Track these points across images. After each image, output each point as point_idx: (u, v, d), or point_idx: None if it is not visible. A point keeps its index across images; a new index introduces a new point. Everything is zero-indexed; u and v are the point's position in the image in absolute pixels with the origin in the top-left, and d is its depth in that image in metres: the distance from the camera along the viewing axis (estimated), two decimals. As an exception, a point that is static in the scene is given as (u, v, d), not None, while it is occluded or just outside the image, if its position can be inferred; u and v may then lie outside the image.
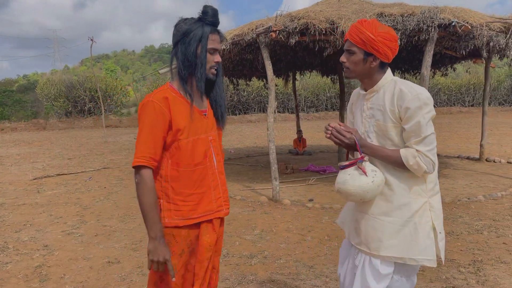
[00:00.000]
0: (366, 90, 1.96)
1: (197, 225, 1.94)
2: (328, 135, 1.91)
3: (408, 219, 1.84)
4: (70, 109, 25.88)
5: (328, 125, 1.93)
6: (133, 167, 1.82)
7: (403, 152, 1.80)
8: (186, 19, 1.87)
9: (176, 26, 1.87)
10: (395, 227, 1.84)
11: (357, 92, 2.06)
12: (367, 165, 1.84)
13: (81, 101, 25.75)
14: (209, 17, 1.83)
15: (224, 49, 6.64)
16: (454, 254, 3.90)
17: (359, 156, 1.86)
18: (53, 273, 3.76)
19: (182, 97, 1.89)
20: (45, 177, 8.84)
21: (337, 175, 1.93)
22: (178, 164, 1.87)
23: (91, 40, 17.06)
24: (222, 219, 2.06)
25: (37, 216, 5.73)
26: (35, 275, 3.74)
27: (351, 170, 1.85)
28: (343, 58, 1.90)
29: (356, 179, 1.81)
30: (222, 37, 1.91)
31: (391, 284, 1.86)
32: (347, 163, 1.87)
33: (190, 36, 1.82)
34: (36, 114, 26.13)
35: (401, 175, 1.85)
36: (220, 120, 2.03)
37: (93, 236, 4.79)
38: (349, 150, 1.97)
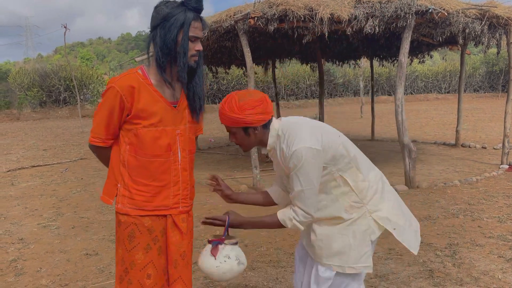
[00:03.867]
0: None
1: (162, 219, 1.86)
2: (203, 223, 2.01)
3: (347, 227, 1.84)
4: (44, 99, 25.17)
5: (213, 180, 2.09)
6: (89, 143, 1.88)
7: (279, 216, 1.85)
8: (167, 1, 1.75)
9: (156, 8, 1.75)
10: (334, 236, 1.86)
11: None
12: (225, 250, 1.86)
13: (56, 90, 25.07)
14: (192, 2, 1.72)
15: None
16: (431, 238, 3.98)
17: (221, 237, 1.89)
18: (29, 267, 3.68)
19: (150, 85, 1.79)
20: (19, 169, 8.61)
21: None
22: (137, 152, 1.81)
23: (65, 27, 16.56)
24: (189, 214, 1.99)
25: (12, 209, 5.58)
26: (10, 269, 3.65)
27: (208, 248, 1.88)
28: (231, 139, 1.91)
29: (205, 259, 1.86)
30: (204, 24, 1.80)
31: (336, 286, 1.88)
32: (210, 239, 1.90)
33: (171, 21, 1.70)
34: (9, 104, 25.28)
35: (327, 197, 1.85)
36: (198, 112, 1.92)
37: (70, 229, 4.70)
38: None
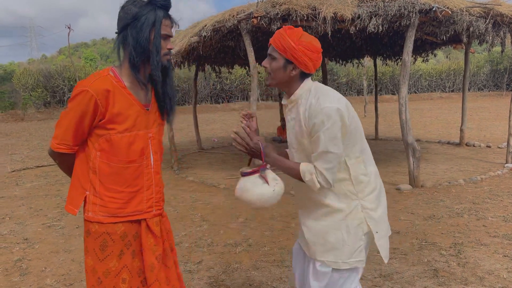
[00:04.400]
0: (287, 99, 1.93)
1: (134, 224, 1.82)
2: (233, 136, 1.90)
3: (340, 221, 1.83)
4: (48, 99, 25.26)
5: (247, 114, 1.94)
6: (51, 150, 1.77)
7: (302, 167, 1.79)
8: (134, 0, 1.70)
9: (123, 8, 1.70)
10: (328, 231, 1.85)
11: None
12: (269, 174, 1.84)
13: (60, 91, 25.16)
14: (161, 0, 1.69)
15: (205, 36, 6.54)
16: (435, 237, 3.97)
17: (262, 164, 1.85)
18: (34, 267, 3.69)
19: (124, 88, 1.73)
20: (24, 169, 8.65)
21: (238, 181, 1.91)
22: (110, 159, 1.74)
23: (68, 28, 16.63)
24: (163, 215, 1.95)
25: (17, 209, 5.61)
26: (15, 268, 3.67)
27: (253, 178, 1.84)
28: (265, 63, 1.86)
29: (258, 187, 1.81)
30: (173, 22, 1.78)
31: (332, 282, 1.87)
32: (250, 170, 1.86)
33: (142, 20, 1.66)
34: (13, 105, 25.40)
35: None
36: (169, 113, 1.88)
37: (75, 228, 4.71)
38: (252, 156, 1.94)
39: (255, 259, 3.65)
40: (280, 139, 11.27)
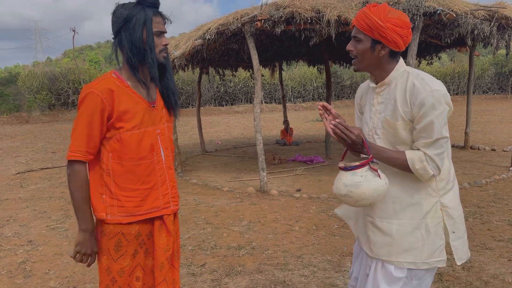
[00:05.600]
0: (376, 83, 1.79)
1: (148, 223, 1.85)
2: (332, 128, 1.70)
3: (420, 221, 1.71)
4: (53, 101, 25.38)
5: (324, 107, 1.76)
6: (68, 160, 1.75)
7: (409, 154, 1.65)
8: (124, 4, 1.76)
9: (114, 13, 1.76)
10: (406, 230, 1.72)
11: (367, 85, 1.90)
12: (377, 167, 1.67)
13: (65, 93, 25.27)
14: None
15: (209, 38, 6.55)
16: (440, 241, 3.94)
17: (368, 157, 1.68)
18: (38, 269, 3.70)
19: (128, 87, 1.78)
20: (28, 171, 8.68)
21: (338, 175, 1.74)
22: (121, 158, 1.77)
23: (73, 31, 16.71)
24: (175, 215, 1.98)
25: (21, 211, 5.63)
26: (19, 271, 3.67)
27: (362, 172, 1.65)
28: (349, 46, 1.73)
29: (371, 181, 1.64)
30: (165, 18, 1.82)
31: (408, 285, 1.75)
32: (357, 163, 1.67)
33: (133, 21, 1.71)
34: (18, 107, 25.55)
35: (408, 174, 1.71)
36: (174, 108, 1.93)
37: (79, 231, 4.72)
38: (351, 149, 1.75)
39: (258, 262, 3.64)
40: (283, 142, 11.26)
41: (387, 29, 1.63)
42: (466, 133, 9.31)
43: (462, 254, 1.80)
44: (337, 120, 1.70)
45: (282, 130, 11.61)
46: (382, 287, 1.74)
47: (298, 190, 6.17)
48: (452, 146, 9.85)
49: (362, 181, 1.64)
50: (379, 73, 1.75)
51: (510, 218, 4.55)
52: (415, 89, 1.63)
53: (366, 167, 1.66)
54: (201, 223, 4.80)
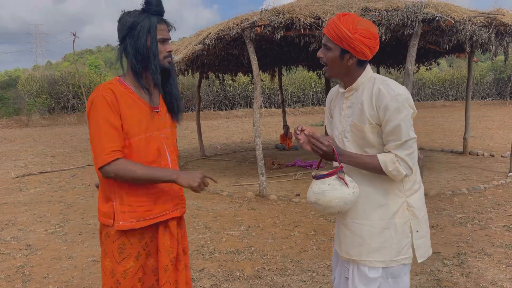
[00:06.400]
0: (345, 88, 1.86)
1: (152, 226, 1.87)
2: (302, 141, 1.82)
3: (388, 221, 1.79)
4: (53, 105, 25.41)
5: (299, 129, 1.84)
6: (102, 167, 1.69)
7: (381, 158, 1.72)
8: (129, 12, 1.80)
9: (120, 20, 1.79)
10: (375, 230, 1.80)
11: (336, 89, 1.97)
12: (346, 176, 1.77)
13: (64, 97, 25.30)
14: (153, 7, 1.77)
15: (209, 44, 6.58)
16: (439, 247, 3.95)
17: (338, 165, 1.77)
18: (36, 273, 3.70)
19: (132, 93, 1.81)
20: (27, 175, 8.68)
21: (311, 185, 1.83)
22: None
23: (74, 35, 16.75)
24: (180, 218, 2.01)
25: (20, 215, 5.62)
26: (17, 275, 3.67)
27: (331, 180, 1.75)
28: (320, 53, 1.80)
29: (338, 189, 1.72)
30: (170, 25, 1.86)
31: (383, 284, 1.82)
32: (326, 172, 1.77)
33: (138, 28, 1.75)
34: (18, 111, 25.57)
35: (376, 176, 1.79)
36: (176, 113, 1.96)
37: (78, 235, 4.72)
38: (324, 158, 1.85)
39: (257, 267, 3.64)
40: (282, 146, 11.27)
41: (355, 40, 1.69)
42: (464, 139, 9.33)
43: (424, 252, 1.87)
44: (310, 132, 1.82)
45: (281, 135, 11.62)
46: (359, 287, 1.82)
47: (297, 195, 6.17)
48: (451, 151, 9.87)
49: (329, 189, 1.73)
50: (348, 80, 1.82)
51: (508, 224, 4.56)
52: (380, 93, 1.70)
53: (334, 176, 1.75)
54: (200, 228, 4.80)
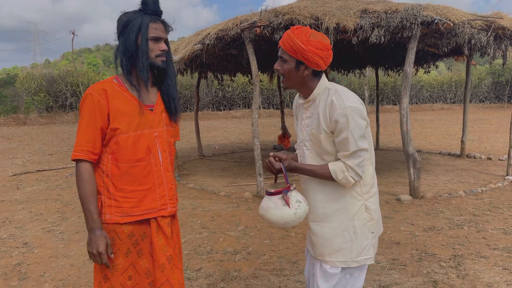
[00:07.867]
0: (304, 99, 1.94)
1: (142, 224, 1.88)
2: (265, 167, 1.98)
3: (348, 223, 1.88)
4: (51, 104, 25.35)
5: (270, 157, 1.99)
6: (72, 160, 1.81)
7: (331, 167, 1.82)
8: (126, 12, 1.84)
9: (117, 20, 1.84)
10: (336, 232, 1.90)
11: (298, 98, 2.05)
12: (293, 195, 1.84)
13: (63, 95, 25.24)
14: (149, 7, 1.80)
15: (208, 44, 6.58)
16: (435, 249, 3.96)
17: (286, 185, 1.87)
18: (33, 271, 3.69)
19: (126, 91, 1.84)
20: (25, 173, 8.66)
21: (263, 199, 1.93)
22: (118, 160, 1.82)
23: (72, 33, 16.71)
24: (174, 217, 2.01)
25: (17, 213, 5.61)
26: (14, 273, 3.66)
27: (276, 199, 1.84)
28: (277, 66, 1.87)
29: (279, 209, 1.82)
30: (166, 25, 1.87)
31: (341, 281, 1.94)
32: (273, 190, 1.86)
33: (130, 26, 1.79)
34: (16, 109, 25.50)
35: (333, 182, 1.88)
36: (173, 113, 1.97)
37: (74, 233, 4.71)
38: (277, 175, 2.00)
39: (254, 268, 3.64)
40: (281, 147, 11.27)
41: (309, 51, 1.76)
42: (462, 142, 9.35)
43: (375, 251, 1.99)
44: (269, 157, 1.95)
45: (279, 136, 11.63)
46: (321, 283, 1.94)
47: (295, 196, 6.17)
48: (448, 154, 9.90)
49: (272, 208, 1.84)
50: (305, 91, 1.90)
51: (505, 226, 4.57)
52: (333, 105, 1.78)
53: (280, 196, 1.85)
54: (197, 228, 4.80)
